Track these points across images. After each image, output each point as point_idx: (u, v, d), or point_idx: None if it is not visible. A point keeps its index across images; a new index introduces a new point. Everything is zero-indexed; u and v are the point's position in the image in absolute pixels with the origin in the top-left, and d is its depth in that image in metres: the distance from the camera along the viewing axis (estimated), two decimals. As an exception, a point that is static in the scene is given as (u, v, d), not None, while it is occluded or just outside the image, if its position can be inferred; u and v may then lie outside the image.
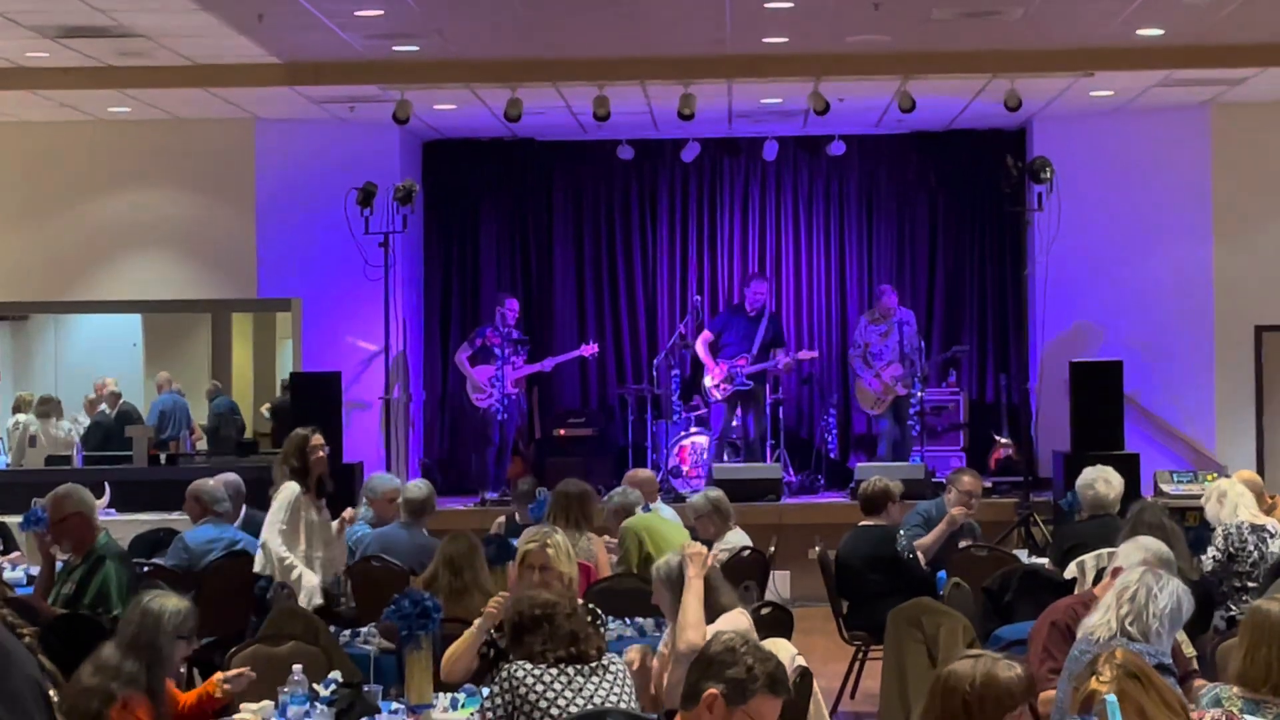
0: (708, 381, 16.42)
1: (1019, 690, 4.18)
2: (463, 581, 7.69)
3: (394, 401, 15.93)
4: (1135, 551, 6.69)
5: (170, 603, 6.09)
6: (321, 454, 9.47)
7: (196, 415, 18.10)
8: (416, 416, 17.25)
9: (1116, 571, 6.42)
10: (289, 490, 9.33)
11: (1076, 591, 8.33)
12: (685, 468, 16.26)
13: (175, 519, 11.76)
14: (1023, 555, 10.98)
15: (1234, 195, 16.21)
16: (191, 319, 17.99)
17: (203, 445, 17.70)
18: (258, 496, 11.66)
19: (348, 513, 9.97)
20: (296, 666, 6.40)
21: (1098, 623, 5.86)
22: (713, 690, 4.53)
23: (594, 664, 5.80)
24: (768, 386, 16.49)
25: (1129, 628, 5.77)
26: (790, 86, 14.80)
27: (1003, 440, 16.46)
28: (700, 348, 16.45)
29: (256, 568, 9.36)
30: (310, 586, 9.10)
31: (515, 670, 5.72)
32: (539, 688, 5.67)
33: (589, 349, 16.83)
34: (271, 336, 18.77)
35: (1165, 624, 5.80)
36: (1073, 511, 11.02)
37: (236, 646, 7.32)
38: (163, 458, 15.45)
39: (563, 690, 5.68)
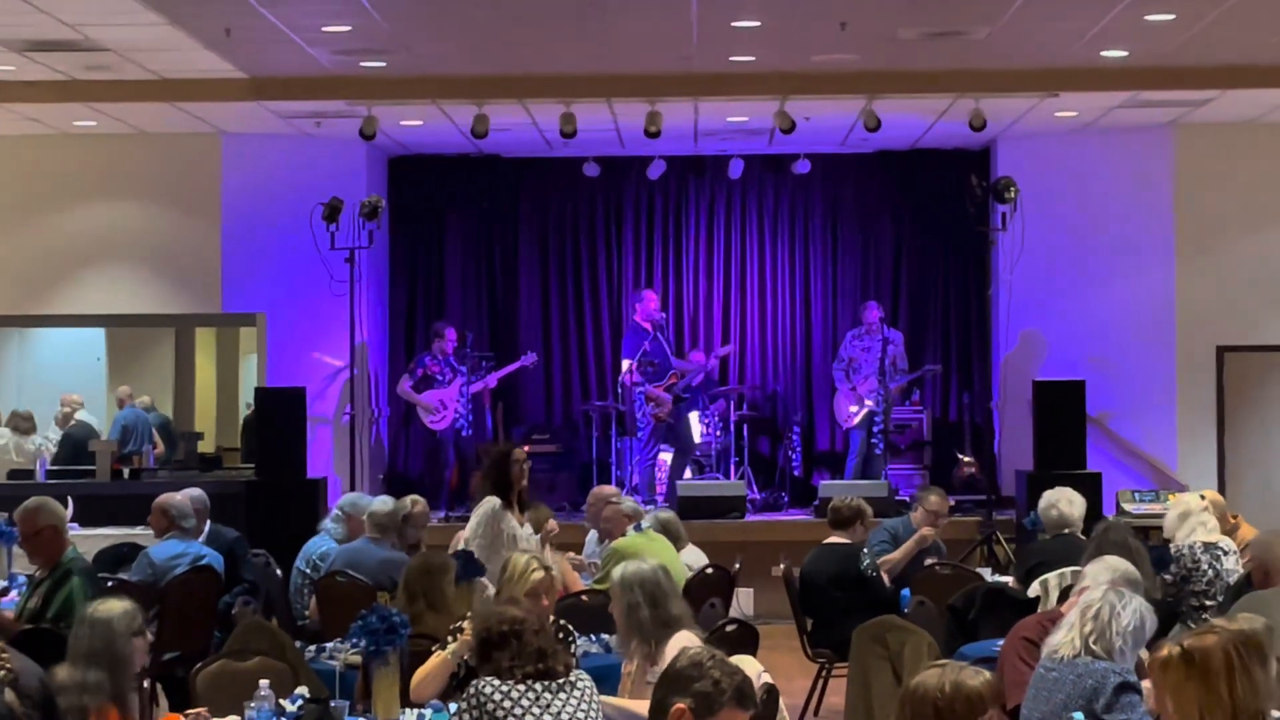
0: (651, 406, 16.27)
1: (988, 694, 4.23)
2: (418, 607, 7.66)
3: (357, 417, 15.89)
4: (1103, 571, 6.73)
5: (115, 605, 6.08)
6: (523, 467, 9.41)
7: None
8: (380, 432, 17.22)
9: (1084, 591, 6.45)
10: (489, 504, 9.25)
11: (1040, 610, 8.37)
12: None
13: (138, 533, 11.70)
14: (986, 573, 11.00)
15: (1197, 216, 16.29)
16: (155, 334, 17.90)
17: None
18: (221, 512, 11.67)
19: (551, 524, 9.93)
20: (263, 682, 6.39)
21: (1061, 641, 5.90)
22: (680, 705, 4.53)
23: (561, 680, 5.80)
24: (731, 403, 16.59)
25: (1093, 645, 5.82)
26: (756, 105, 14.85)
27: (966, 459, 16.49)
28: (634, 376, 16.28)
29: None
30: None
31: (483, 686, 5.72)
32: (506, 704, 5.67)
33: (528, 359, 16.79)
34: (235, 352, 18.71)
35: (1129, 641, 5.85)
36: (1036, 530, 11.05)
37: (202, 662, 7.30)
38: (125, 472, 15.39)
39: (530, 706, 5.68)
